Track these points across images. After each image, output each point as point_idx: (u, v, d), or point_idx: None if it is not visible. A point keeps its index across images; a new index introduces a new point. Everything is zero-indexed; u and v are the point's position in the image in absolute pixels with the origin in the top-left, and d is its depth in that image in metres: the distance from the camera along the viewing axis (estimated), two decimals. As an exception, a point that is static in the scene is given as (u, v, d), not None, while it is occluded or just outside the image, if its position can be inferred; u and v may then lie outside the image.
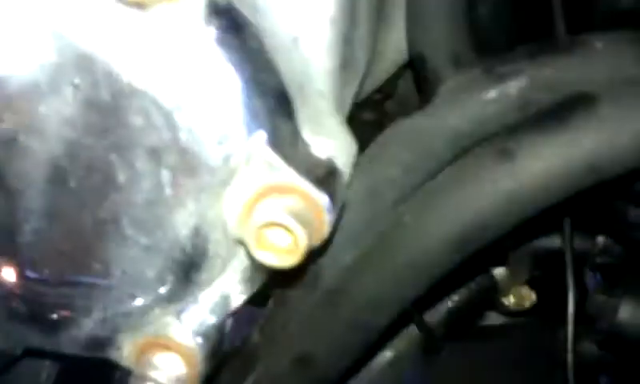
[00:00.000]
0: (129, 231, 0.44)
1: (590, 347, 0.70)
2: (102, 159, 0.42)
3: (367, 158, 0.54)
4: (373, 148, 0.55)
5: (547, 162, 0.42)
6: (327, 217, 0.43)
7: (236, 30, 0.43)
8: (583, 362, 0.67)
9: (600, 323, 0.63)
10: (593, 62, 0.47)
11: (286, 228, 0.41)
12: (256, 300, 0.54)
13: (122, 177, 0.42)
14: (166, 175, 0.42)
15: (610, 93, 0.43)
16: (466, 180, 0.45)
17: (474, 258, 0.79)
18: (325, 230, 0.44)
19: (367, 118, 0.71)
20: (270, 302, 0.59)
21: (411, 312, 0.76)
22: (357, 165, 0.52)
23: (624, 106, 0.42)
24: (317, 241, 0.44)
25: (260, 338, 0.58)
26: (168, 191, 0.42)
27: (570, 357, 0.56)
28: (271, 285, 0.58)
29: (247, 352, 0.58)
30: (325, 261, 0.50)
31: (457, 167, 0.46)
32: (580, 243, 0.70)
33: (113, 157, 0.42)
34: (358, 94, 0.63)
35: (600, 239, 0.70)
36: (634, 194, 0.58)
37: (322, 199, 0.43)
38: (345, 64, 0.54)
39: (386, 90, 0.72)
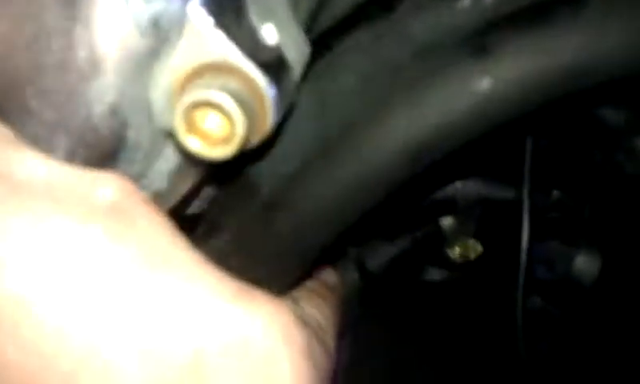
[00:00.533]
0: (32, 103, 0.36)
1: (537, 302, 0.67)
2: (5, 7, 0.35)
3: (321, 65, 0.48)
4: (328, 56, 0.49)
5: (528, 59, 0.36)
6: (271, 107, 0.37)
7: None
8: (530, 316, 0.64)
9: (556, 269, 0.59)
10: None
11: (222, 110, 0.35)
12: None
13: (27, 30, 0.35)
14: (80, 33, 0.34)
15: None
16: (431, 78, 0.39)
17: (421, 206, 0.75)
18: (268, 123, 0.38)
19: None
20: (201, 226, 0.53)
21: (352, 255, 0.71)
22: (308, 73, 0.47)
23: (614, 8, 0.37)
24: (257, 135, 0.38)
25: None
26: (82, 54, 0.35)
27: (520, 298, 0.52)
28: (200, 200, 0.52)
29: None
30: (264, 169, 0.44)
31: (421, 66, 0.40)
32: (535, 197, 0.66)
33: (18, 5, 0.35)
34: (312, 18, 0.57)
35: (555, 193, 0.67)
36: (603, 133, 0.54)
37: (268, 86, 0.37)
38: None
39: (341, 32, 0.67)
